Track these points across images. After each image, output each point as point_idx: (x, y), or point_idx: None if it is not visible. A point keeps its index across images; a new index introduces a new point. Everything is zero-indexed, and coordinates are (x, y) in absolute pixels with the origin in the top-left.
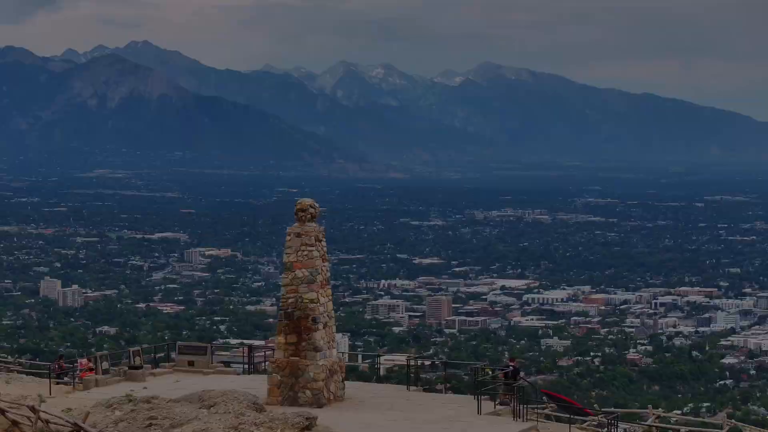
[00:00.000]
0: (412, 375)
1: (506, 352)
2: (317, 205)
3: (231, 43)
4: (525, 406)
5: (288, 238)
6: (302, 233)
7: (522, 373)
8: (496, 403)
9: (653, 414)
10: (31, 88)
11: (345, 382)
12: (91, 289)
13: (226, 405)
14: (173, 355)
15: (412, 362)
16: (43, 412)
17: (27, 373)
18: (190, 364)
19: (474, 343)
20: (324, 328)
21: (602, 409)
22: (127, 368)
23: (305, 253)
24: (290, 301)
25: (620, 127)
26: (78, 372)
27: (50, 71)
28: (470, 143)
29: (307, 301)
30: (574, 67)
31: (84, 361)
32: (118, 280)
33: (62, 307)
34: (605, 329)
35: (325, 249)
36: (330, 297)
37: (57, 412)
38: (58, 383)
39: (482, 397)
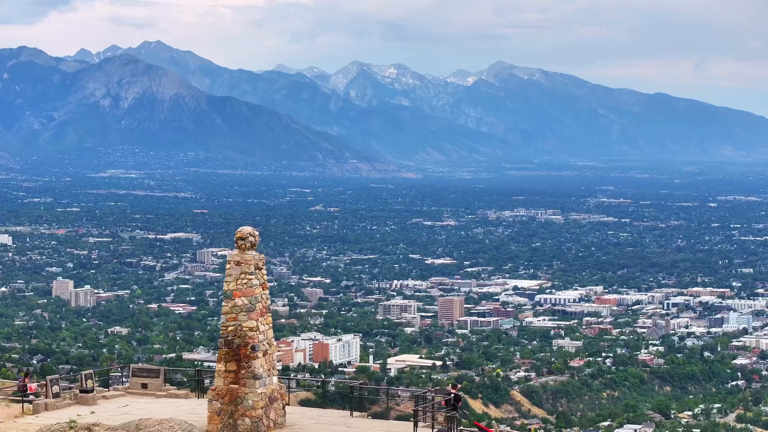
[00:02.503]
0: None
1: (458, 376)
2: (257, 233)
3: (244, 43)
4: None
5: (228, 266)
6: (242, 261)
7: (461, 402)
8: (434, 430)
9: None
10: (44, 88)
11: (287, 408)
12: (104, 290)
13: None
14: (125, 378)
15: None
16: None
17: None
18: (144, 386)
19: (486, 343)
20: (264, 355)
21: None
22: (78, 391)
23: (245, 281)
24: (230, 329)
25: (633, 127)
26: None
27: (63, 71)
28: (483, 143)
29: (247, 329)
30: (586, 66)
31: (33, 385)
32: (131, 281)
33: (74, 307)
34: (617, 330)
35: (265, 277)
36: (270, 325)
37: None
38: (23, 401)
39: (422, 423)
